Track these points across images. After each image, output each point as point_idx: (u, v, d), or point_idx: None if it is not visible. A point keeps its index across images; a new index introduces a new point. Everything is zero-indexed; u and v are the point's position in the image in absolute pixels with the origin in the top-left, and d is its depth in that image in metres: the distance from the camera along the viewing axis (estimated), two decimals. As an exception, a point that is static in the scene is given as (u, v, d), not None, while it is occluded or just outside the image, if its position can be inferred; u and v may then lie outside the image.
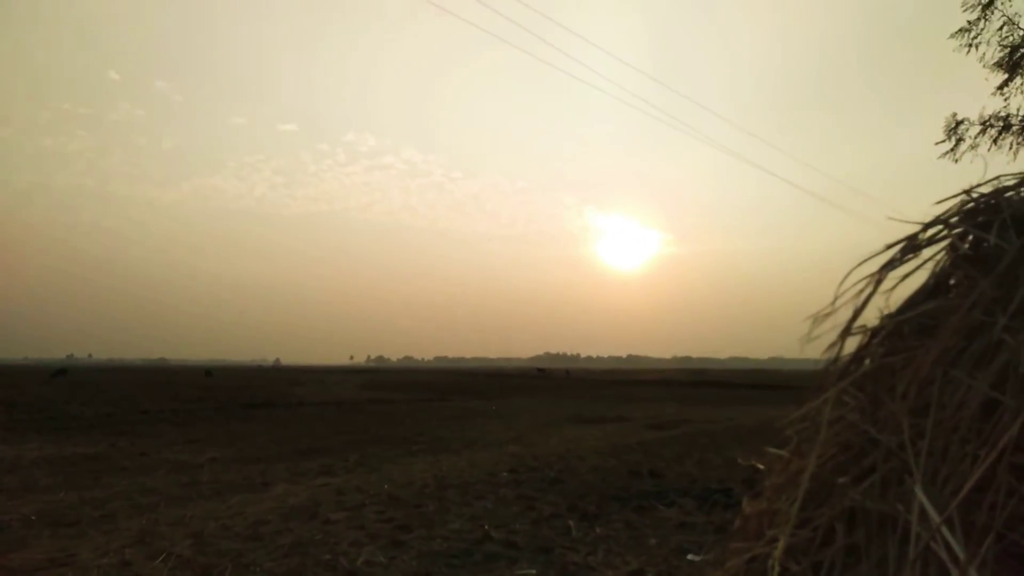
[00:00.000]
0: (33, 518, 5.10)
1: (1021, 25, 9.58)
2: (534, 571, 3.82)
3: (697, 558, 4.06)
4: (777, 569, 1.01)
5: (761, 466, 1.33)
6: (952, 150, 10.14)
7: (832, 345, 1.19)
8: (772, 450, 1.27)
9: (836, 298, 1.18)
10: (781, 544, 1.03)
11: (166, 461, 8.24)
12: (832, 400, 1.14)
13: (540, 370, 75.87)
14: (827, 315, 1.20)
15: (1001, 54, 9.63)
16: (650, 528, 4.81)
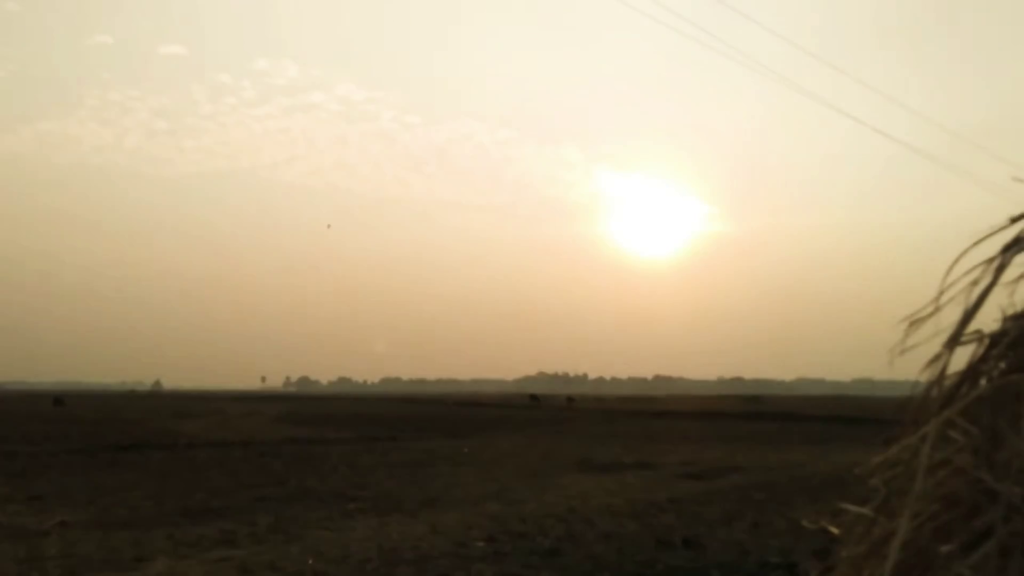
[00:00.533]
0: None
1: None
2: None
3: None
4: None
5: (835, 530, 1.34)
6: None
7: (935, 359, 1.16)
8: (850, 507, 1.27)
9: (942, 292, 1.16)
10: None
11: (-4, 526, 8.05)
12: (933, 436, 1.12)
13: (532, 397, 76.63)
14: (929, 316, 1.17)
15: None
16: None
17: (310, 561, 6.41)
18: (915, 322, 1.19)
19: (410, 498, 10.57)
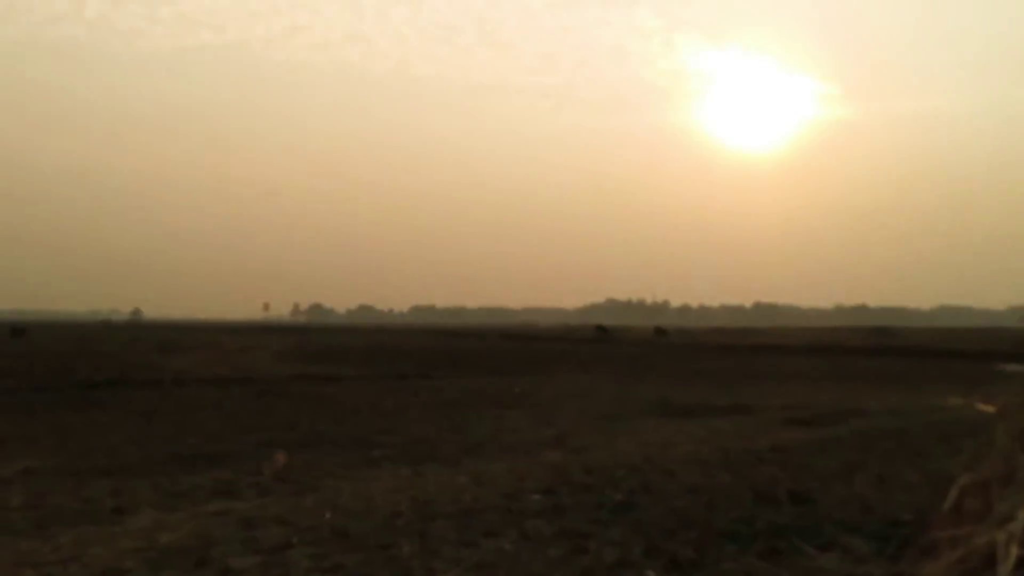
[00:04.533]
0: None
1: None
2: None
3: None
4: (1014, 554, 0.99)
5: (987, 407, 1.29)
6: None
7: None
8: (1011, 367, 1.17)
9: None
10: (1022, 519, 1.02)
11: (-50, 475, 8.25)
12: None
13: (600, 328, 78.21)
14: None
15: None
16: (791, 585, 4.84)
17: (327, 515, 6.50)
18: None
19: (448, 445, 10.80)
